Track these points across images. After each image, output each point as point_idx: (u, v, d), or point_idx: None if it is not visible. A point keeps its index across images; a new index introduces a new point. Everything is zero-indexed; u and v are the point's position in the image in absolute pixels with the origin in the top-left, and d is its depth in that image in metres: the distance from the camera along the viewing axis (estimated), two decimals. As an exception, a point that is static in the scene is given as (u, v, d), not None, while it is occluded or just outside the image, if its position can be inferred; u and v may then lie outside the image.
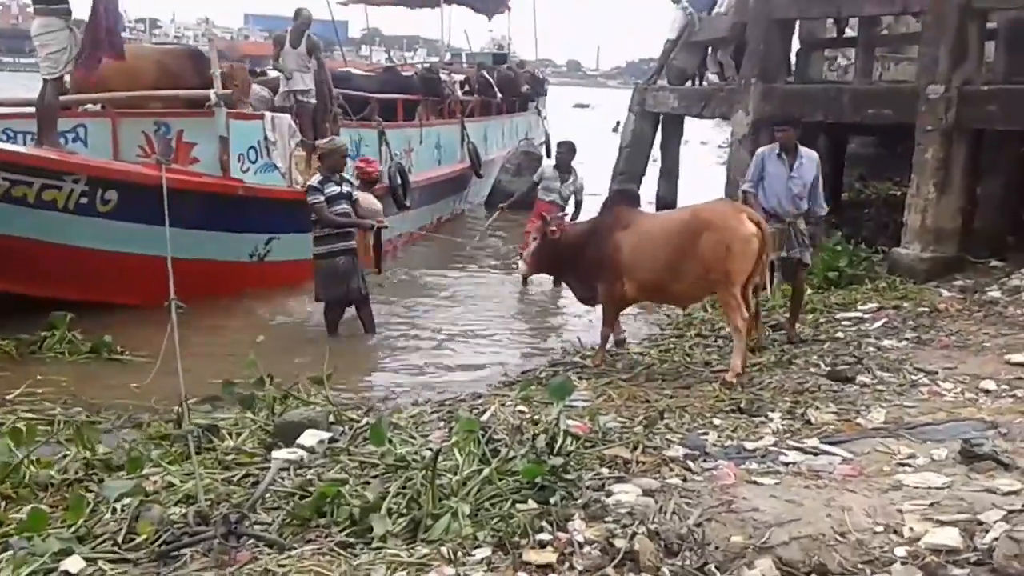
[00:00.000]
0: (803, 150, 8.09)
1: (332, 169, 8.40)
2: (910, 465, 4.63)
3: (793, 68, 14.22)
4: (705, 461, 4.69)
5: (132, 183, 8.56)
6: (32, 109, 9.37)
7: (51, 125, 9.05)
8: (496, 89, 19.32)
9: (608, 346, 7.65)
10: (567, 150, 10.94)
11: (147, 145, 9.70)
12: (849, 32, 14.78)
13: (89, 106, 10.30)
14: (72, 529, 3.83)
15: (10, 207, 8.10)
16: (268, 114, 10.47)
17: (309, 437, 4.95)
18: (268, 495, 4.14)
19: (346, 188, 8.46)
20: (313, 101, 11.40)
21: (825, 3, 12.76)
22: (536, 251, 7.87)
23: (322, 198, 8.19)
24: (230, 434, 5.32)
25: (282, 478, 4.39)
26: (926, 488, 4.24)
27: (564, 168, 10.85)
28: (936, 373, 6.48)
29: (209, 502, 4.07)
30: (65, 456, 4.87)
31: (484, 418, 5.27)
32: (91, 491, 4.33)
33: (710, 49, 16.16)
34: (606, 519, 3.83)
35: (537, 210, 9.86)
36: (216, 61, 10.06)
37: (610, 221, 7.48)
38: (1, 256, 8.07)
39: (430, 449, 4.39)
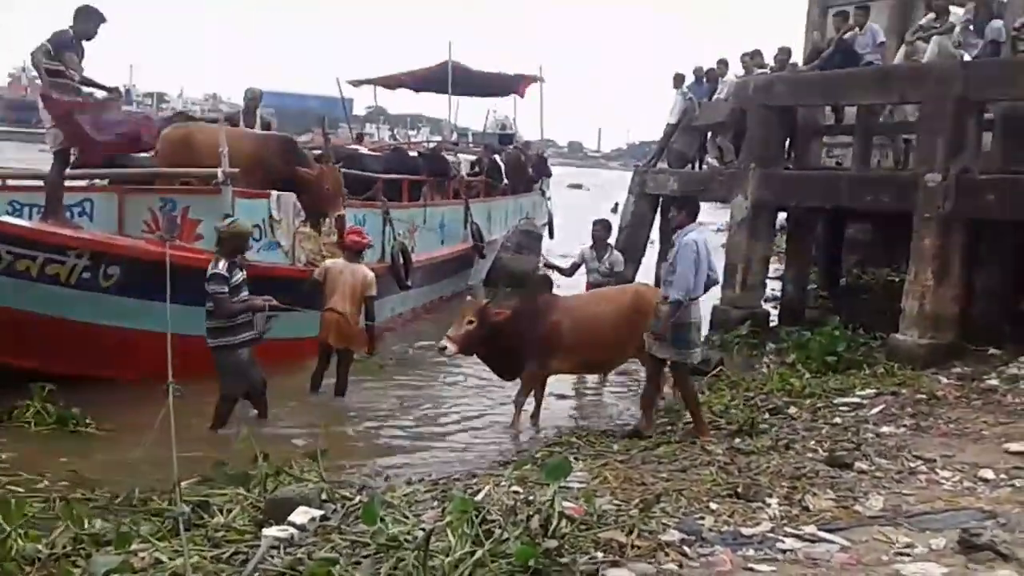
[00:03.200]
0: (684, 235, 7.71)
1: (234, 252, 7.95)
2: (908, 554, 4.59)
3: (791, 154, 14.37)
4: (701, 547, 4.63)
5: (135, 259, 8.61)
6: (40, 182, 9.49)
7: (58, 199, 9.16)
8: (504, 172, 19.55)
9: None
10: (602, 228, 11.05)
11: (152, 221, 9.78)
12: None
13: (97, 181, 10.45)
14: (58, 605, 3.77)
15: (13, 280, 8.14)
16: (274, 193, 10.56)
17: (300, 515, 4.91)
18: (257, 574, 4.08)
19: (242, 275, 7.96)
20: None
21: (823, 92, 13.00)
22: (470, 333, 8.26)
23: (226, 289, 7.71)
24: (221, 510, 5.27)
25: (272, 556, 4.34)
26: (924, 579, 4.20)
27: (600, 245, 10.95)
28: (934, 461, 6.45)
29: (197, 580, 4.01)
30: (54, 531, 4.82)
31: (478, 498, 5.22)
32: (79, 566, 4.28)
33: (710, 134, 16.38)
34: (600, 605, 3.79)
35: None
36: (224, 140, 10.22)
37: (541, 305, 8.60)
38: (1, 329, 8.08)
39: (423, 529, 4.35)
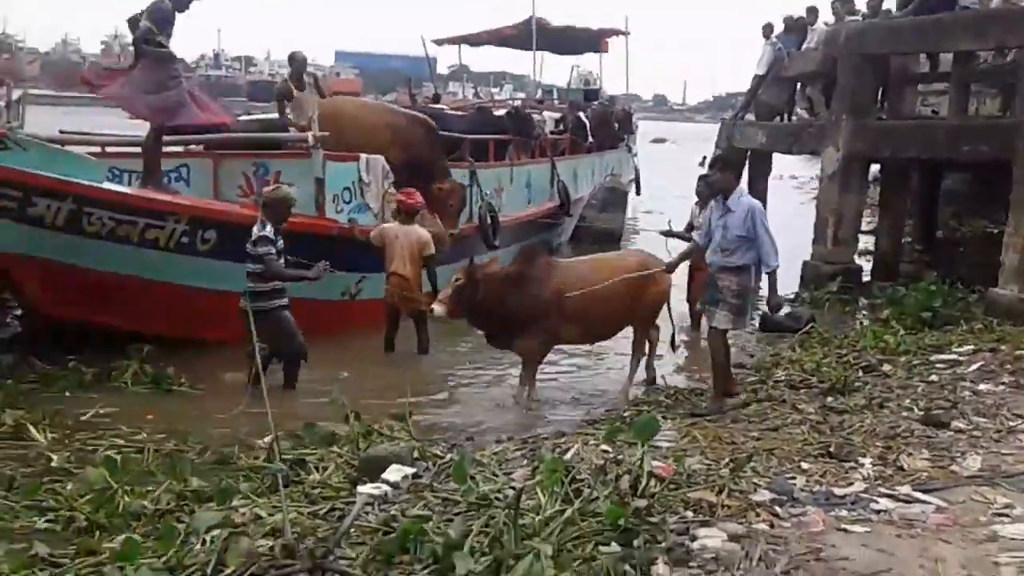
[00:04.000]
0: (740, 199, 7.33)
1: (278, 220, 7.89)
2: (1007, 515, 4.50)
3: (885, 104, 13.98)
4: (793, 507, 4.60)
5: (231, 223, 8.82)
6: (138, 149, 9.75)
7: (155, 165, 9.40)
8: (589, 129, 19.41)
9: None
10: (706, 185, 10.78)
11: (246, 185, 10.00)
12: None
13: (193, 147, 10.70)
14: (163, 559, 3.93)
15: (115, 245, 8.42)
16: (363, 156, 10.67)
17: (394, 472, 5.02)
18: (353, 530, 4.19)
19: (281, 243, 7.92)
20: None
21: (918, 39, 12.57)
22: (459, 291, 7.89)
23: (274, 251, 7.72)
24: (316, 468, 5.42)
25: (366, 513, 4.45)
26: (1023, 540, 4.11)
27: (705, 202, 10.73)
28: (1036, 420, 6.27)
29: (295, 536, 4.13)
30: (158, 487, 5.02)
31: (567, 457, 5.29)
32: (182, 522, 4.45)
33: (799, 85, 16.02)
34: (690, 564, 3.81)
35: None
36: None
37: (540, 270, 8.06)
38: (105, 292, 8.40)
39: (512, 488, 4.41)
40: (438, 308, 7.98)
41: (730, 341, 8.24)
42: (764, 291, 7.67)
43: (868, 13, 14.42)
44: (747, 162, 16.60)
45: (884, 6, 14.49)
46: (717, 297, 7.36)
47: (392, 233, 9.44)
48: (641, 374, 8.58)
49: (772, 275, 7.29)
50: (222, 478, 5.15)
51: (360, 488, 4.86)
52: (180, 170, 10.15)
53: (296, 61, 11.37)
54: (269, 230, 7.77)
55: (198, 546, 4.04)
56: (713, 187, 7.61)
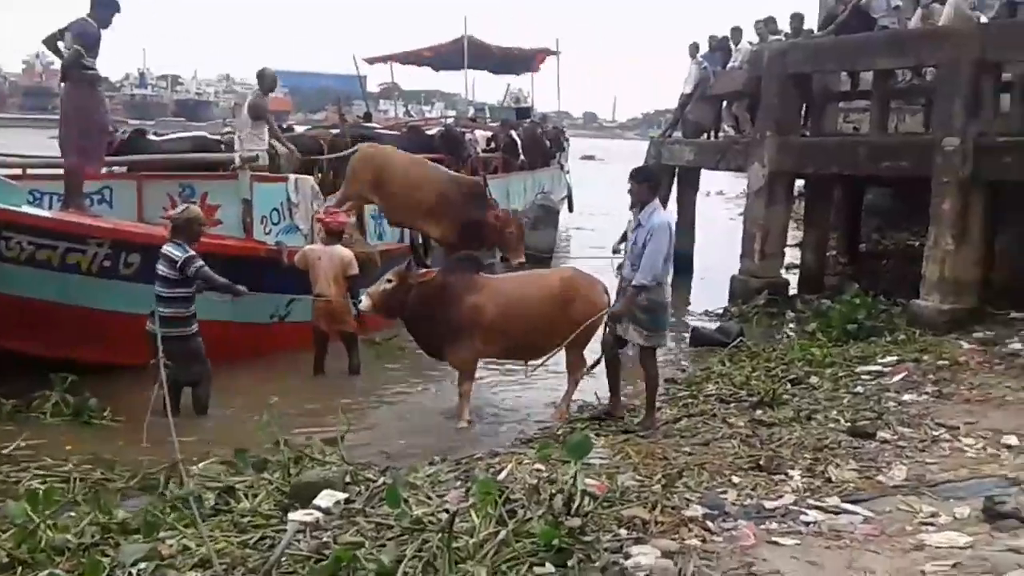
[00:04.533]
0: (651, 215, 7.27)
1: (191, 240, 7.76)
2: (933, 524, 4.60)
3: (808, 121, 14.29)
4: (724, 521, 4.65)
5: (155, 246, 8.66)
6: (59, 171, 9.53)
7: (77, 187, 9.20)
8: (521, 148, 19.50)
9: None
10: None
11: (171, 207, 9.82)
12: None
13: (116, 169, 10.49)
14: (89, 595, 3.82)
15: (34, 271, 8.20)
16: (292, 176, 10.58)
17: (325, 498, 4.93)
18: (284, 559, 4.12)
19: None
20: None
21: (839, 58, 12.88)
22: (387, 292, 8.06)
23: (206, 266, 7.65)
24: (246, 495, 5.32)
25: (298, 541, 4.37)
26: (949, 548, 4.22)
27: None
28: (957, 428, 6.44)
29: (224, 567, 4.06)
30: (81, 520, 4.87)
31: (501, 477, 5.26)
32: (107, 556, 4.33)
33: (725, 103, 16.29)
34: (624, 582, 3.82)
35: None
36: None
37: (463, 284, 8.09)
38: (25, 319, 8.16)
39: (446, 511, 4.38)
40: (365, 301, 8.17)
41: (660, 357, 8.32)
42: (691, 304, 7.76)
43: (790, 33, 14.75)
44: (676, 178, 16.87)
45: (805, 26, 14.85)
46: (627, 310, 7.31)
47: (315, 254, 9.36)
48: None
49: (635, 289, 7.15)
50: (148, 509, 5.02)
51: (291, 515, 4.77)
52: (103, 192, 9.95)
53: (266, 78, 11.16)
54: (192, 252, 7.66)
55: (124, 580, 3.95)
56: (631, 197, 7.55)
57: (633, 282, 7.15)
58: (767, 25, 15.42)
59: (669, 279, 7.42)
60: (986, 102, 10.48)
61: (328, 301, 9.13)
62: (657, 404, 7.75)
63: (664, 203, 16.82)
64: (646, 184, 7.45)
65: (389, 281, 8.12)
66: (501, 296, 8.06)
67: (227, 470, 5.93)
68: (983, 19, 11.62)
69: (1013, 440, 6.08)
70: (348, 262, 9.25)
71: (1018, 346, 8.93)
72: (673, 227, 7.31)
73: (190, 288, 7.71)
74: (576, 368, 8.24)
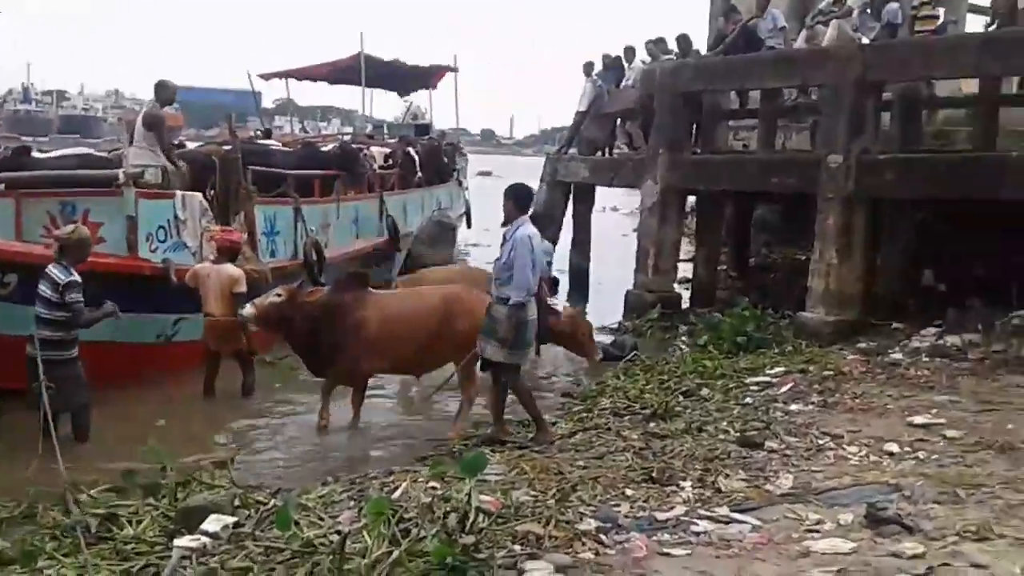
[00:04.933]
0: (515, 230, 7.26)
1: (78, 262, 7.53)
2: (818, 531, 4.70)
3: (698, 138, 14.60)
4: (617, 534, 4.69)
5: (33, 265, 8.34)
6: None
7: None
8: (419, 164, 19.47)
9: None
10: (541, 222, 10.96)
11: (52, 225, 9.47)
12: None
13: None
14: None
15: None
16: (179, 193, 10.32)
17: (213, 522, 4.80)
18: (169, 586, 4.00)
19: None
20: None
21: (727, 77, 13.21)
22: (273, 305, 8.13)
23: (82, 298, 7.36)
24: (130, 522, 5.15)
25: (184, 568, 4.25)
26: (834, 554, 4.32)
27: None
28: (841, 437, 6.61)
29: (107, 596, 3.92)
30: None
31: (395, 496, 5.22)
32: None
33: (619, 120, 16.53)
34: (517, 599, 3.81)
35: None
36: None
37: (349, 301, 8.21)
38: None
39: (339, 532, 4.31)
40: (248, 309, 8.18)
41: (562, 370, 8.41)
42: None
43: (679, 53, 15.07)
44: (571, 195, 17.06)
45: (695, 46, 15.19)
46: (489, 328, 7.28)
47: (204, 272, 9.21)
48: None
49: (511, 307, 7.10)
50: (25, 539, 4.82)
51: (177, 541, 4.64)
52: None
53: (166, 89, 10.89)
54: (76, 275, 7.38)
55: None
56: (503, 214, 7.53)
57: (510, 301, 7.10)
58: (657, 45, 15.71)
59: (535, 294, 7.37)
60: (868, 121, 10.86)
61: (216, 320, 8.94)
62: (552, 418, 7.80)
63: (560, 219, 17.19)
64: (512, 200, 7.39)
65: (278, 295, 8.17)
66: (385, 312, 8.16)
67: (114, 497, 5.74)
68: (864, 40, 12.04)
69: (894, 447, 6.28)
70: (236, 279, 9.08)
71: (899, 356, 9.24)
72: (532, 241, 7.17)
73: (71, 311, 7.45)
74: (469, 385, 8.24)
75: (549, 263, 10.68)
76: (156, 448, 6.04)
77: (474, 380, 8.20)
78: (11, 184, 10.08)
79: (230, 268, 9.23)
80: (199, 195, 10.53)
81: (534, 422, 7.51)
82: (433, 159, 20.66)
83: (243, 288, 9.07)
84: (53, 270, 7.40)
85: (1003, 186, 9.53)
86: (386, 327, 8.06)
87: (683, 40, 15.09)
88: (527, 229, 7.25)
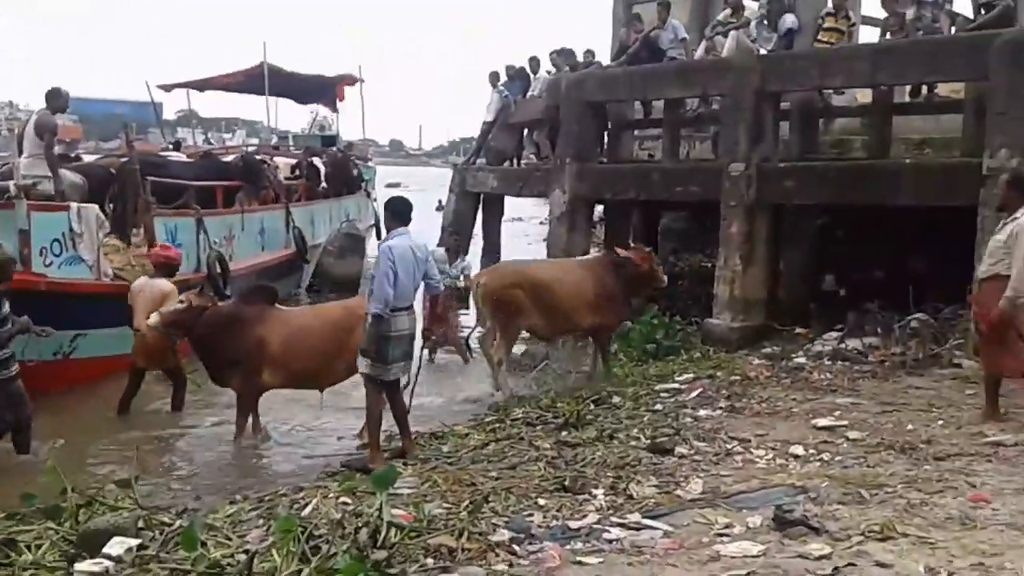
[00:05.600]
0: (385, 241, 7.46)
1: (1, 282, 7.58)
2: (727, 535, 4.75)
3: (605, 148, 14.74)
4: (531, 544, 4.67)
5: None
6: None
7: None
8: (323, 176, 19.31)
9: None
10: (457, 238, 11.08)
11: (-62, 240, 9.10)
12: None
13: None
14: None
15: None
16: (74, 205, 10.03)
17: (116, 546, 4.65)
18: (69, 614, 3.85)
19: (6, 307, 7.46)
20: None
21: (631, 87, 13.38)
22: (177, 312, 8.11)
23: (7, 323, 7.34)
24: (29, 547, 4.94)
25: (85, 594, 4.10)
26: (743, 558, 4.37)
27: (454, 254, 11.00)
28: (749, 440, 6.71)
29: (2, 627, 3.75)
30: None
31: (305, 513, 5.13)
32: None
33: (526, 130, 16.61)
34: (431, 613, 3.77)
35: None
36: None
37: (250, 316, 8.22)
38: None
39: (246, 551, 4.21)
40: (153, 318, 8.10)
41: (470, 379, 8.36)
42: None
43: (582, 64, 15.23)
44: (480, 206, 17.08)
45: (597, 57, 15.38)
46: (362, 343, 7.29)
47: (137, 287, 9.03)
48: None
49: (371, 320, 7.08)
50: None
51: (78, 566, 4.48)
52: None
53: (60, 97, 10.68)
54: None
55: None
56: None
57: (369, 311, 7.10)
58: (561, 55, 15.85)
59: (408, 306, 7.32)
60: (767, 129, 11.13)
61: (144, 336, 8.70)
62: (464, 429, 7.80)
63: (470, 228, 17.19)
64: (388, 213, 7.50)
65: (181, 302, 8.15)
66: (285, 328, 8.18)
67: (11, 524, 5.51)
68: (762, 51, 12.32)
69: (799, 450, 6.40)
70: (167, 294, 8.81)
71: (802, 360, 9.45)
72: (400, 252, 7.14)
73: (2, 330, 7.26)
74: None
75: (446, 272, 10.66)
76: (55, 469, 5.81)
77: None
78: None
79: (162, 283, 9.05)
80: (95, 207, 10.26)
81: (369, 441, 7.48)
82: (339, 170, 20.51)
83: (174, 302, 8.79)
84: None
85: (898, 192, 9.86)
86: (286, 344, 8.07)
87: (588, 54, 15.31)
88: (396, 240, 7.24)
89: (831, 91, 12.46)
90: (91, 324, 9.03)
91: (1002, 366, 6.89)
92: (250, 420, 8.28)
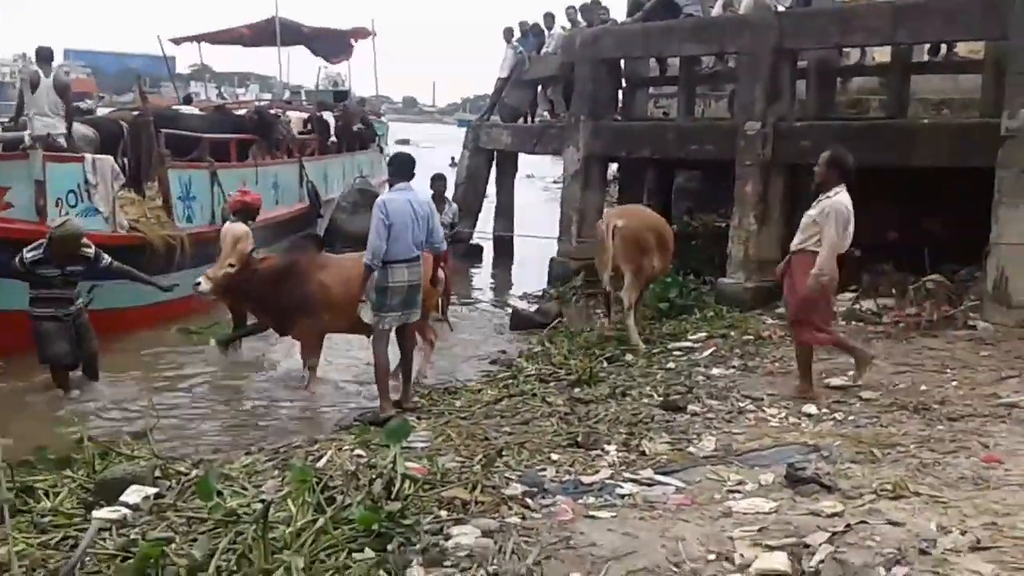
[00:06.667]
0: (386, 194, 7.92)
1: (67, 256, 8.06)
2: (739, 491, 4.77)
3: (620, 105, 14.64)
4: (543, 498, 4.69)
5: None
6: None
7: None
8: (333, 130, 19.23)
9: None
10: (441, 182, 11.04)
11: (-45, 190, 9.13)
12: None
13: None
14: None
15: None
16: (89, 156, 10.05)
17: (133, 494, 4.71)
18: (87, 558, 3.90)
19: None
20: None
21: (647, 44, 13.24)
22: (228, 275, 8.36)
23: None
24: (47, 494, 5.00)
25: (103, 539, 4.15)
26: (755, 514, 4.38)
27: (439, 199, 11.01)
28: (761, 399, 6.72)
29: (23, 569, 3.80)
30: None
31: (319, 465, 5.17)
32: None
33: (540, 87, 16.50)
34: (445, 564, 3.80)
35: None
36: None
37: (307, 263, 8.50)
38: None
39: (262, 501, 4.24)
40: (204, 284, 8.36)
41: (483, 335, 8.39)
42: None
43: (599, 20, 15.07)
44: (493, 163, 17.02)
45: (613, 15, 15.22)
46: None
47: (222, 232, 9.11)
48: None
49: (365, 268, 7.36)
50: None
51: (95, 513, 4.53)
52: None
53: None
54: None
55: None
56: None
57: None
58: (585, 10, 15.65)
59: (407, 259, 7.40)
60: (785, 88, 11.01)
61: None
62: (478, 385, 7.83)
63: (483, 185, 17.17)
64: (391, 167, 7.87)
65: (231, 266, 8.35)
66: (344, 272, 8.22)
67: (29, 471, 5.57)
68: (780, 8, 12.17)
69: (812, 409, 6.40)
70: (239, 237, 8.81)
71: (815, 320, 9.41)
72: (396, 206, 7.32)
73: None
74: (428, 330, 8.66)
75: (453, 225, 10.77)
76: (72, 419, 5.88)
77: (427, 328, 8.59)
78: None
79: (236, 226, 9.10)
80: (110, 159, 10.29)
81: (379, 393, 7.56)
82: (349, 125, 20.44)
83: (246, 245, 8.85)
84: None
85: (914, 153, 9.76)
86: (346, 288, 8.06)
87: (602, 10, 15.13)
88: (393, 195, 7.51)
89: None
90: (108, 275, 9.04)
91: (808, 339, 6.90)
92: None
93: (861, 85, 14.63)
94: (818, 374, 7.37)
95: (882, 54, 13.70)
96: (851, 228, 6.80)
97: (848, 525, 4.10)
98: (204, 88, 30.35)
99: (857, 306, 9.59)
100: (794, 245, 6.99)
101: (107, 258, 8.34)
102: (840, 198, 6.80)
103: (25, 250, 7.91)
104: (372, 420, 7.17)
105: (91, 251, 8.20)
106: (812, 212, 6.89)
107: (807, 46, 11.39)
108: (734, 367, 7.86)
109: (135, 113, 12.16)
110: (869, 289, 9.91)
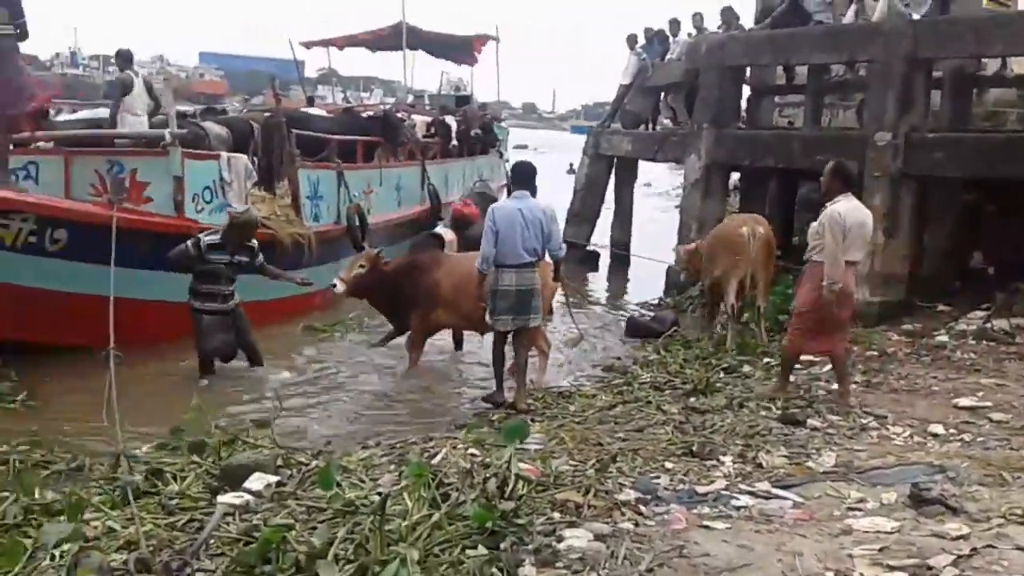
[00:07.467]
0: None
1: (241, 241, 8.51)
2: (860, 509, 4.66)
3: (744, 114, 14.44)
4: (657, 505, 4.67)
5: (82, 222, 8.44)
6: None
7: (2, 162, 8.91)
8: (455, 134, 19.50)
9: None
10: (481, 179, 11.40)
11: (100, 184, 9.57)
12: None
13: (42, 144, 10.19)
14: (9, 576, 3.71)
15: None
16: (224, 154, 10.40)
17: (256, 481, 4.86)
18: (212, 541, 4.05)
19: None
20: None
21: (775, 51, 13.00)
22: (360, 277, 9.01)
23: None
24: (175, 478, 5.21)
25: (227, 523, 4.30)
26: (876, 533, 4.27)
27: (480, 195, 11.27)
28: (885, 417, 6.55)
29: (151, 548, 3.96)
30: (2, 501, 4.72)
31: (435, 461, 5.25)
32: (30, 536, 4.20)
33: (663, 94, 16.38)
34: (557, 565, 3.82)
35: None
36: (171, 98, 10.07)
37: (427, 261, 9.08)
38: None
39: (379, 493, 4.33)
40: (339, 286, 8.98)
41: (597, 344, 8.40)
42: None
43: (723, 26, 14.88)
44: (613, 170, 16.97)
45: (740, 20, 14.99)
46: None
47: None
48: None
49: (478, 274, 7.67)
50: (72, 491, 4.88)
51: (220, 498, 4.69)
52: (28, 168, 9.65)
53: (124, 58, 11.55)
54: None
55: (46, 561, 3.83)
56: None
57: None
58: (725, 13, 15.43)
59: (516, 264, 7.49)
60: (917, 98, 10.67)
61: None
62: (592, 390, 7.83)
63: (602, 192, 17.13)
64: (512, 176, 8.12)
65: (362, 267, 8.98)
66: (458, 271, 8.66)
67: (161, 454, 5.81)
68: (915, 16, 11.81)
69: (939, 429, 6.22)
70: (449, 242, 9.86)
71: (944, 338, 9.12)
72: (506, 213, 7.50)
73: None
74: (542, 338, 8.81)
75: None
76: (200, 407, 6.09)
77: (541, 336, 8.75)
78: (61, 142, 10.19)
79: (447, 231, 10.01)
80: (244, 157, 10.62)
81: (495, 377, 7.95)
82: (469, 130, 20.67)
83: (452, 250, 9.74)
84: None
85: (1056, 168, 9.35)
86: (456, 286, 8.58)
87: (727, 12, 14.92)
88: (505, 202, 7.83)
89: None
90: (258, 272, 9.37)
91: (807, 348, 7.43)
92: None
93: (998, 97, 14.06)
94: (946, 394, 7.14)
95: (1021, 65, 13.18)
96: (859, 234, 6.94)
97: (974, 549, 3.97)
98: (331, 92, 31.09)
99: (989, 325, 9.24)
100: (805, 256, 7.27)
101: (261, 255, 8.79)
102: (837, 207, 6.90)
103: (202, 235, 8.38)
104: (486, 398, 7.87)
105: (255, 244, 8.70)
106: (815, 224, 7.11)
107: (942, 55, 11.02)
108: (856, 383, 7.65)
109: (267, 114, 12.54)
110: (1002, 308, 9.54)
